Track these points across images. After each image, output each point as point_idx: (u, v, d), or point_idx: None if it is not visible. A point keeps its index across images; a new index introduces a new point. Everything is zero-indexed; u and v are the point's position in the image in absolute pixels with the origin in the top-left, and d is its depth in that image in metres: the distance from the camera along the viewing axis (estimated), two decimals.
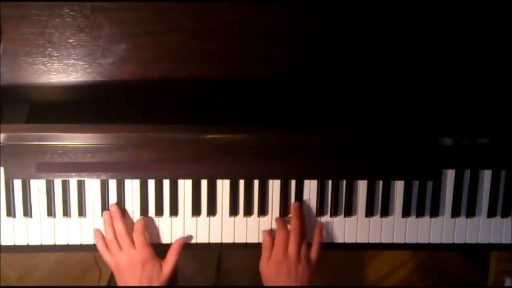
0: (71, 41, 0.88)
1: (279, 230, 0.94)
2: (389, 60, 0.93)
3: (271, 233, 0.96)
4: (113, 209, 0.94)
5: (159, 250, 0.94)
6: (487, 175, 0.99)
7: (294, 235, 0.92)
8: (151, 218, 0.96)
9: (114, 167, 0.93)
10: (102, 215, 0.95)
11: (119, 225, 0.92)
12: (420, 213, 0.99)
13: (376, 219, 0.99)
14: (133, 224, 0.95)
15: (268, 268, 0.92)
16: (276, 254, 0.92)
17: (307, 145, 0.94)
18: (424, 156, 0.96)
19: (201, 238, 0.97)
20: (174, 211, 0.96)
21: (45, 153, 0.92)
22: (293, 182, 0.97)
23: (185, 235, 0.97)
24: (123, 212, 0.95)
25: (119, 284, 0.93)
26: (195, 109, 0.92)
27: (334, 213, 0.98)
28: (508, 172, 0.99)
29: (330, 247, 0.99)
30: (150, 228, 0.96)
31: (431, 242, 1.00)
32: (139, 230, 0.93)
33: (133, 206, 0.95)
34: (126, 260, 0.91)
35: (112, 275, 1.13)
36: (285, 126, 0.88)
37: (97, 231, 0.94)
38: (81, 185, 0.94)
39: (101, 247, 0.94)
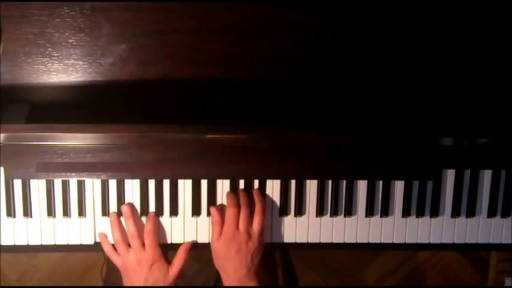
0: (71, 41, 0.88)
1: (229, 208, 0.92)
2: (389, 60, 0.93)
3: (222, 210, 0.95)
4: (126, 209, 0.93)
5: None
6: (487, 175, 0.99)
7: (244, 211, 0.91)
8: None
9: (114, 167, 0.93)
10: (105, 214, 0.94)
11: (131, 226, 0.92)
12: (420, 213, 0.99)
13: (376, 219, 0.99)
14: (143, 224, 0.95)
15: (218, 245, 0.91)
16: (226, 230, 0.91)
17: (307, 145, 0.94)
18: (424, 156, 0.96)
19: (201, 238, 0.97)
20: (174, 211, 0.96)
21: (45, 153, 0.92)
22: (293, 182, 0.97)
23: (185, 235, 0.97)
24: (135, 212, 0.95)
25: (125, 284, 0.93)
26: (195, 109, 0.92)
27: (334, 213, 0.98)
28: (508, 172, 0.99)
29: (330, 247, 0.99)
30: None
31: (431, 242, 1.00)
32: (150, 231, 0.92)
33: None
34: (135, 260, 0.91)
35: (109, 273, 1.13)
36: (285, 126, 0.88)
37: (102, 235, 0.94)
38: (81, 185, 0.94)
39: (108, 249, 0.94)
